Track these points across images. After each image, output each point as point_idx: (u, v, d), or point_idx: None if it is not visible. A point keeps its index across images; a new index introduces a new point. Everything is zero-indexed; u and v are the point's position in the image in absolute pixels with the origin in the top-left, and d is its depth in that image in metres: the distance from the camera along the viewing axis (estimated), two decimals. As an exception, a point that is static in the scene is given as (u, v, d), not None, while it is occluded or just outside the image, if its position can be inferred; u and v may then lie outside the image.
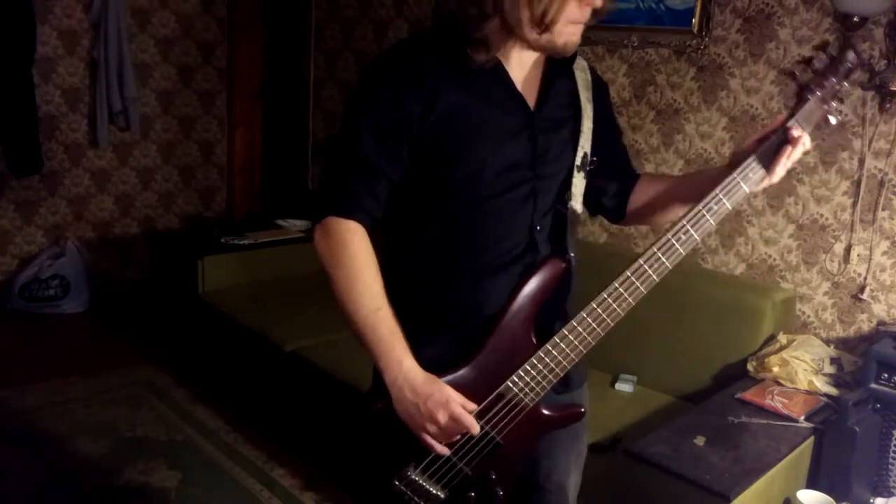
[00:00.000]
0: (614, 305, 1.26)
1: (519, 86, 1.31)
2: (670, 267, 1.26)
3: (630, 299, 1.26)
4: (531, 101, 1.33)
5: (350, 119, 1.30)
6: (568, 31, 1.24)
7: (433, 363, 1.27)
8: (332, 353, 2.81)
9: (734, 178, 1.26)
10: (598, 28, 3.01)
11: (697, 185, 1.37)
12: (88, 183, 4.44)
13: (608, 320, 1.26)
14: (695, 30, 2.73)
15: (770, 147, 1.27)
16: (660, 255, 1.25)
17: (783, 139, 1.26)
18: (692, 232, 1.26)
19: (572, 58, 1.38)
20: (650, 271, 1.25)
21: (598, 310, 1.26)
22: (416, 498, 1.31)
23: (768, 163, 1.27)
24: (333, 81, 4.35)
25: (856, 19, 2.27)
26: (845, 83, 1.30)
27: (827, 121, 1.32)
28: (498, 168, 1.29)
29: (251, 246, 3.69)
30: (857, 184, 2.40)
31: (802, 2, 2.49)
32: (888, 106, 2.30)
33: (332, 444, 2.71)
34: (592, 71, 1.46)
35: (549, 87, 1.35)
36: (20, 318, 4.07)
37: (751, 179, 1.27)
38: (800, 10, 2.50)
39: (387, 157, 1.27)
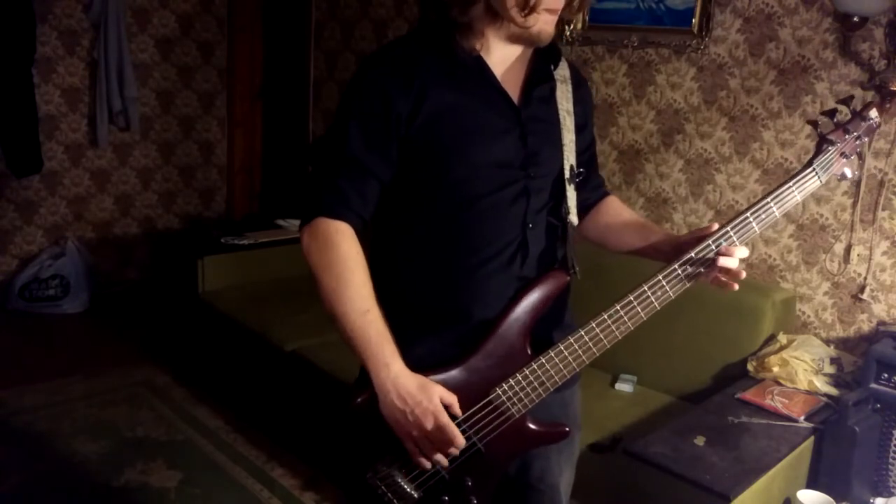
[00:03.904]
0: (612, 327, 1.26)
1: (502, 83, 1.32)
2: (673, 296, 1.27)
3: (629, 323, 1.26)
4: (515, 99, 1.33)
5: (339, 119, 1.30)
6: (542, 18, 1.25)
7: (423, 362, 1.27)
8: (332, 353, 2.81)
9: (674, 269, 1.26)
10: (598, 28, 3.02)
11: (655, 247, 1.40)
12: (88, 183, 4.44)
13: (605, 341, 1.27)
14: (695, 30, 2.73)
15: (703, 254, 1.25)
16: (664, 283, 1.26)
17: (713, 257, 1.25)
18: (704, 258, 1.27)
19: (555, 62, 1.38)
20: (652, 298, 1.26)
21: (596, 329, 1.26)
22: (388, 494, 1.30)
23: (699, 270, 1.26)
24: (333, 81, 4.35)
25: (856, 19, 2.27)
26: (866, 139, 1.31)
27: (844, 174, 1.32)
28: (489, 167, 1.29)
29: (251, 246, 3.69)
30: (857, 184, 2.40)
31: (802, 2, 2.49)
32: (888, 106, 2.29)
33: (324, 439, 2.71)
34: (577, 78, 1.45)
35: (532, 88, 1.35)
36: (20, 318, 4.07)
37: (685, 279, 1.27)
38: (800, 10, 2.50)
39: (376, 157, 1.27)
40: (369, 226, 1.34)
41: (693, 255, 1.26)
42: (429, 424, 1.22)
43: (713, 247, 1.25)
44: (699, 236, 1.28)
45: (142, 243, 4.67)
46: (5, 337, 3.86)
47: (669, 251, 1.34)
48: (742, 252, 1.25)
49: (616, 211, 1.54)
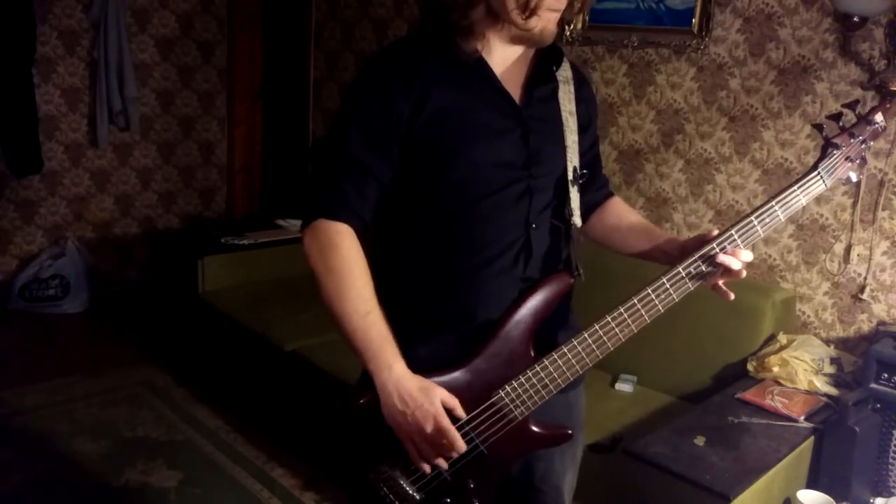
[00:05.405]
0: (616, 330, 1.26)
1: (503, 83, 1.32)
2: (677, 299, 1.27)
3: (633, 326, 1.26)
4: (516, 99, 1.33)
5: (340, 120, 1.30)
6: (545, 17, 1.26)
7: (425, 364, 1.27)
8: (332, 353, 2.81)
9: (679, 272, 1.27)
10: (598, 28, 3.02)
11: (660, 249, 1.40)
12: (88, 183, 4.44)
13: (608, 344, 1.26)
14: (695, 30, 2.73)
15: (707, 258, 1.26)
16: (668, 286, 1.25)
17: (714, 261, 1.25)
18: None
19: (557, 63, 1.38)
20: (656, 301, 1.26)
21: (600, 332, 1.26)
22: (390, 495, 1.30)
23: (703, 273, 1.27)
24: (333, 81, 4.35)
25: (856, 19, 2.27)
26: (871, 143, 1.31)
27: (849, 178, 1.31)
28: (491, 167, 1.29)
29: (251, 246, 3.69)
30: (857, 184, 2.40)
31: (802, 2, 2.50)
32: (888, 106, 2.29)
33: (325, 439, 2.71)
34: (579, 77, 1.45)
35: (534, 88, 1.35)
36: (20, 318, 4.07)
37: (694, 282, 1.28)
38: (800, 10, 2.50)
39: (376, 158, 1.27)
40: (370, 227, 1.34)
41: (697, 257, 1.26)
42: (429, 427, 1.22)
43: (717, 250, 1.25)
44: (704, 240, 1.28)
45: (142, 243, 4.67)
46: (5, 337, 3.86)
47: (674, 254, 1.35)
48: (746, 255, 1.25)
49: (621, 213, 1.54)
